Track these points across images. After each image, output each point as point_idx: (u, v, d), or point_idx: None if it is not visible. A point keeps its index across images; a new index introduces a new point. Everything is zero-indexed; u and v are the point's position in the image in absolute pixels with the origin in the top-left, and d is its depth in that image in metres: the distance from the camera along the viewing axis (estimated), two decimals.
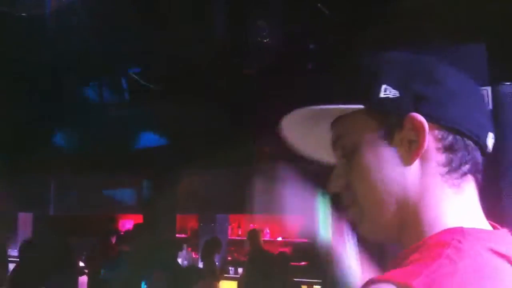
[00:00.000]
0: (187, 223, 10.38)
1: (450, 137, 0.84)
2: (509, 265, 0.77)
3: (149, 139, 6.45)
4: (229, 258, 9.44)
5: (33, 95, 5.31)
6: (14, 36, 3.98)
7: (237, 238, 10.10)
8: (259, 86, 4.66)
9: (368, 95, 0.86)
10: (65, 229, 7.87)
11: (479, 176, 0.87)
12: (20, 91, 5.14)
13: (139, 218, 8.26)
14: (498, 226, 0.89)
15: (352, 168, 0.89)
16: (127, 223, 9.58)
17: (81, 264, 7.13)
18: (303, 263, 8.70)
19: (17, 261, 5.37)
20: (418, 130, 0.83)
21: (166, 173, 7.29)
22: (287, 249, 9.93)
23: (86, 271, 6.94)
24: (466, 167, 0.85)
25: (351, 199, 0.90)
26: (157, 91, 5.07)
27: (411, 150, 0.84)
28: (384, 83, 0.85)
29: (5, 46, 4.14)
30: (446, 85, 0.85)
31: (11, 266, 8.46)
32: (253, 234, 8.02)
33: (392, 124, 0.85)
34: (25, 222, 10.17)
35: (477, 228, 0.82)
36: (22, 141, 6.26)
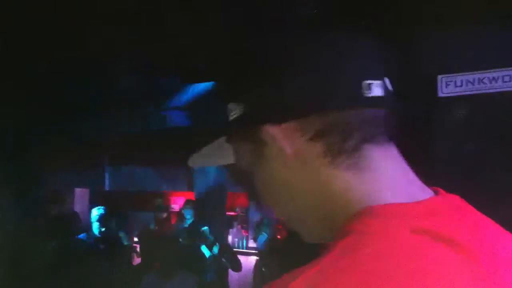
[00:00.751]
0: (237, 201, 10.50)
1: (315, 124, 0.72)
2: (432, 241, 0.63)
3: (201, 117, 6.51)
4: (278, 236, 9.51)
5: (87, 73, 5.43)
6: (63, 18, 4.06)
7: None
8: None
9: (224, 121, 0.80)
10: (120, 204, 8.09)
11: (384, 137, 0.73)
12: (74, 68, 5.27)
13: (190, 195, 8.41)
14: (439, 190, 0.75)
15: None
16: (178, 200, 9.77)
17: (135, 239, 7.33)
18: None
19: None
20: (275, 139, 0.74)
21: None
22: None
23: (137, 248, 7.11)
24: (352, 142, 0.71)
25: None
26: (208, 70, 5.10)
27: (283, 159, 0.75)
28: (228, 103, 0.79)
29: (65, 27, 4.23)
30: (275, 73, 0.73)
31: None
32: None
33: (255, 144, 0.77)
34: (81, 197, 10.52)
35: (393, 204, 0.68)
36: (78, 119, 6.43)
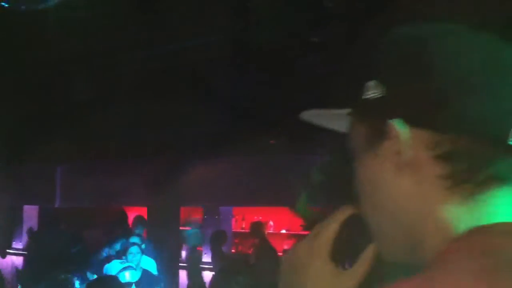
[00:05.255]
0: (191, 215, 10.43)
1: (447, 143, 0.66)
2: None
3: (153, 132, 6.47)
4: (233, 250, 9.48)
5: (36, 86, 5.34)
6: (14, 31, 4.01)
7: (241, 230, 10.15)
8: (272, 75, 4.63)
9: (353, 95, 0.73)
10: (72, 222, 7.93)
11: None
12: (21, 83, 5.18)
13: (144, 211, 8.31)
14: None
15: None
16: (132, 216, 9.64)
17: None
18: None
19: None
20: (400, 139, 0.68)
21: (170, 165, 7.33)
22: (291, 242, 9.97)
23: None
24: (480, 177, 0.66)
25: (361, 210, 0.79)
26: (163, 81, 5.10)
27: (397, 162, 0.69)
28: (371, 79, 0.71)
29: (6, 41, 4.18)
30: (441, 74, 0.66)
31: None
32: (257, 226, 8.07)
33: (376, 132, 0.71)
34: (30, 215, 10.23)
35: (503, 223, 0.66)
36: (25, 132, 6.30)
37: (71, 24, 3.86)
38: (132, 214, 8.47)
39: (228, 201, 8.69)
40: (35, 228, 9.71)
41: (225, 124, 5.77)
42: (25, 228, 9.81)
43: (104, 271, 5.89)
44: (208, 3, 3.59)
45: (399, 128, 0.67)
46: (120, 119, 5.79)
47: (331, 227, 0.82)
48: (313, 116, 0.83)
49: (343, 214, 0.83)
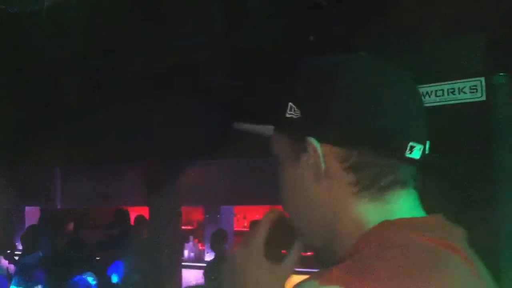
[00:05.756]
0: (192, 215, 10.43)
1: (354, 157, 0.80)
2: (441, 246, 0.76)
3: (153, 130, 6.47)
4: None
5: (35, 87, 5.34)
6: (12, 31, 4.01)
7: (242, 229, 10.15)
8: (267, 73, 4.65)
9: (276, 114, 0.86)
10: (74, 223, 7.93)
11: (411, 184, 0.84)
12: (21, 84, 5.18)
13: (145, 211, 8.30)
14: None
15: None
16: (133, 215, 9.63)
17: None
18: (308, 253, 8.74)
19: None
20: (316, 154, 0.81)
21: (170, 165, 7.33)
22: None
23: None
24: (384, 182, 0.81)
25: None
26: (163, 82, 5.10)
27: (315, 172, 0.82)
28: (291, 101, 0.84)
29: (5, 42, 4.18)
30: (347, 99, 0.80)
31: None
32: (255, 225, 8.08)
33: (297, 147, 0.84)
34: (32, 216, 10.22)
35: (405, 218, 0.81)
36: (26, 133, 6.30)
37: (70, 24, 3.88)
38: (133, 214, 8.46)
39: (229, 200, 8.69)
40: (36, 229, 9.69)
41: (226, 124, 5.76)
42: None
43: (109, 273, 5.89)
44: (207, 3, 3.61)
45: (314, 144, 0.81)
46: (121, 119, 5.80)
47: (261, 231, 0.93)
48: (242, 127, 0.99)
49: (269, 217, 0.94)
